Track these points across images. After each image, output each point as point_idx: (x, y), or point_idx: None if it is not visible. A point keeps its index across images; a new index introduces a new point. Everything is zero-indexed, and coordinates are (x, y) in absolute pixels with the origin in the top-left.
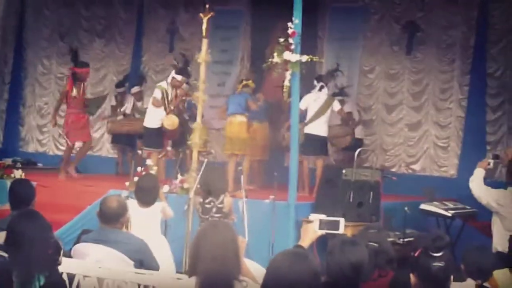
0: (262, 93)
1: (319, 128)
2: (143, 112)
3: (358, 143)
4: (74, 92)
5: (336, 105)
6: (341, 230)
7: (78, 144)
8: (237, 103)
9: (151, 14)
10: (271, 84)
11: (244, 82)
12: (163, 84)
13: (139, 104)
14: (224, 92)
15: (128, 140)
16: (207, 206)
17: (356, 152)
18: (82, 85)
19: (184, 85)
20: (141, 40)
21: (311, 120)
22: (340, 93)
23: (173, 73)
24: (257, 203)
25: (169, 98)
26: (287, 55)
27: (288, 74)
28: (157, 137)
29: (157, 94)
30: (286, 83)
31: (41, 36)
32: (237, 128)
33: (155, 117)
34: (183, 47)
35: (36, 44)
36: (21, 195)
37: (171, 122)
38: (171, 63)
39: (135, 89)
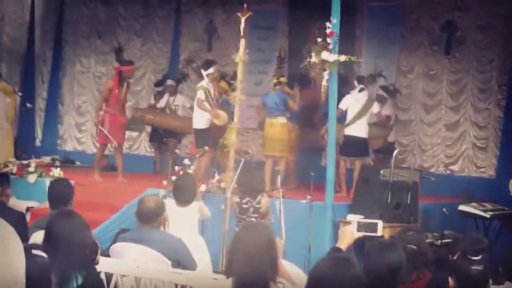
0: (299, 93)
1: (359, 129)
2: (172, 109)
3: (390, 146)
4: (118, 91)
5: (375, 107)
6: (379, 233)
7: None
8: (274, 103)
9: (188, 13)
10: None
11: (275, 80)
12: (203, 83)
13: (171, 99)
14: (261, 91)
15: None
16: (244, 206)
17: (394, 153)
18: (126, 85)
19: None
20: (179, 39)
21: (352, 122)
22: (386, 90)
23: (204, 72)
24: (294, 203)
25: (212, 96)
26: (325, 55)
27: (326, 74)
28: (207, 137)
29: (201, 95)
30: (324, 83)
31: (80, 35)
32: (278, 130)
33: (203, 117)
34: (221, 47)
35: (75, 42)
36: (59, 195)
37: (221, 117)
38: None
39: (169, 82)
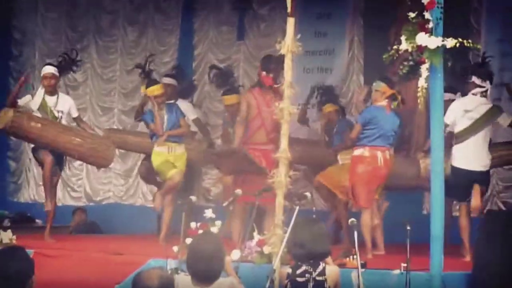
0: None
1: (474, 157)
2: (54, 117)
3: None
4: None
5: (506, 118)
6: None
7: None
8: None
9: None
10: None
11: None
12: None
13: (50, 100)
14: None
15: None
16: (300, 279)
17: None
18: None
19: None
20: (191, 22)
21: (460, 141)
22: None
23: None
24: (380, 275)
25: None
26: (422, 39)
27: (424, 69)
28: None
29: None
30: (422, 83)
31: (41, 23)
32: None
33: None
34: (259, 32)
35: (32, 33)
36: (10, 272)
37: None
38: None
39: (47, 70)
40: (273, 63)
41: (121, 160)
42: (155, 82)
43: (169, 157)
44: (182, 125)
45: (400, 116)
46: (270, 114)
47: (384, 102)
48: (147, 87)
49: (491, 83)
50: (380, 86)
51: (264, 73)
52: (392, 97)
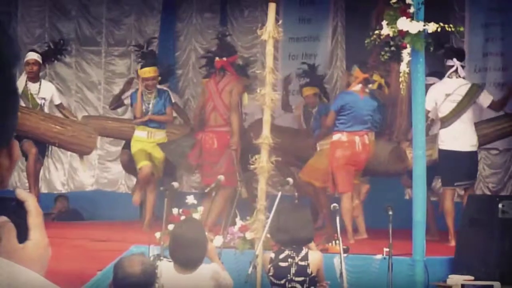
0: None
1: (462, 137)
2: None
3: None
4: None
5: (486, 97)
6: None
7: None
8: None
9: None
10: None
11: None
12: None
13: (32, 87)
14: None
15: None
16: (283, 264)
17: None
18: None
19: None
20: (174, 9)
21: (446, 127)
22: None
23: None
24: (363, 261)
25: None
26: (403, 23)
27: (406, 54)
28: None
29: None
30: (404, 67)
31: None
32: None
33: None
34: (242, 19)
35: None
36: None
37: None
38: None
39: (30, 56)
40: (217, 45)
41: (105, 146)
42: (151, 63)
43: (148, 144)
44: (168, 113)
45: (378, 100)
46: (219, 95)
47: (357, 87)
48: (142, 67)
49: (459, 60)
50: (354, 70)
51: (216, 58)
52: (366, 82)
